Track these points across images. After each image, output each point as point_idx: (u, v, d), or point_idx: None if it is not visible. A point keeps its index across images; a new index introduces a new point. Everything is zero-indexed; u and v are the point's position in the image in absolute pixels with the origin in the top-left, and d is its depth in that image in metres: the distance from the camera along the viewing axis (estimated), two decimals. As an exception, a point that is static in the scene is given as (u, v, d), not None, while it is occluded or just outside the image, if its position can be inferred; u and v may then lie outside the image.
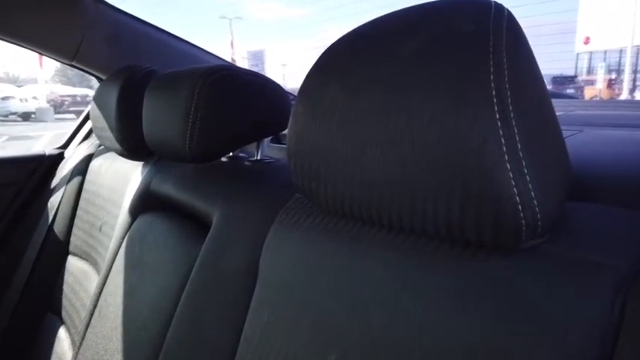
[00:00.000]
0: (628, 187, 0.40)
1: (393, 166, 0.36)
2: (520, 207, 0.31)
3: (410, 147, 0.34)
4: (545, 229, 0.32)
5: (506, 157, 0.31)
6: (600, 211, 0.37)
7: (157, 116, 0.71)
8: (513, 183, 0.31)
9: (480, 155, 0.31)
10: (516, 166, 0.31)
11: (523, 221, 0.31)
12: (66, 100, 13.18)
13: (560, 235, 0.34)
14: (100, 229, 0.96)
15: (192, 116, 0.63)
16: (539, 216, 0.32)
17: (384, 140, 0.35)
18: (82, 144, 1.26)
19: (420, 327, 0.36)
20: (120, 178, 0.94)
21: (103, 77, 1.10)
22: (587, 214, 0.37)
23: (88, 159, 1.14)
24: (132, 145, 0.89)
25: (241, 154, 0.76)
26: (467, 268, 0.36)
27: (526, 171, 0.31)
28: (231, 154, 0.74)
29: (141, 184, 0.84)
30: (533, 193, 0.31)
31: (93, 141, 1.21)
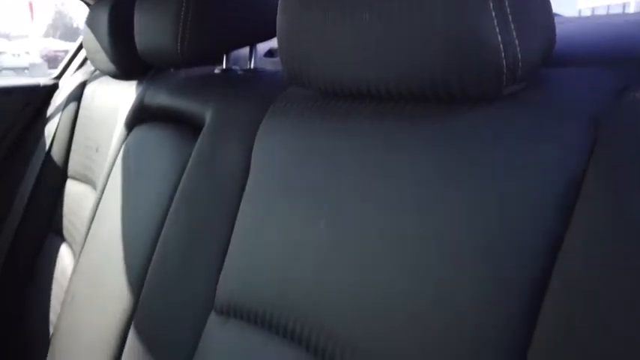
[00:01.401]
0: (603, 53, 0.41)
1: (381, 25, 0.37)
2: (502, 48, 0.33)
3: (398, 3, 0.36)
4: (524, 75, 0.34)
5: (491, 4, 0.33)
6: (578, 71, 0.38)
7: (149, 24, 0.71)
8: (497, 26, 0.33)
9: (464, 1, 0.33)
10: (500, 11, 0.33)
11: (504, 62, 0.33)
12: (59, 55, 12.94)
13: (539, 86, 0.36)
14: (97, 150, 0.97)
15: (182, 18, 0.64)
16: (520, 60, 0.33)
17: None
18: (76, 72, 1.26)
19: (410, 182, 0.38)
20: (114, 100, 0.95)
21: (92, 2, 1.09)
22: (566, 73, 0.38)
23: (83, 86, 1.14)
24: (125, 63, 0.89)
25: (234, 66, 0.77)
26: (452, 120, 0.38)
27: (510, 17, 0.33)
28: (224, 66, 0.75)
29: (135, 100, 0.85)
30: (515, 37, 0.33)
31: (87, 69, 1.21)
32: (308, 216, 0.44)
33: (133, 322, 0.59)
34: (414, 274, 0.36)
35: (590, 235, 0.29)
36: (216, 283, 0.53)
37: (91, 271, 0.76)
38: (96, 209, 0.82)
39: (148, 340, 0.57)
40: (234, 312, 0.50)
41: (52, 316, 0.88)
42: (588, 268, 0.28)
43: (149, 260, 0.61)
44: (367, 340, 0.37)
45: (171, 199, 0.64)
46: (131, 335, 0.58)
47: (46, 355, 0.81)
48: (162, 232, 0.63)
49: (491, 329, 0.32)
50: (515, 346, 0.31)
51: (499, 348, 0.31)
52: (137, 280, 0.62)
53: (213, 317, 0.53)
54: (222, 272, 0.53)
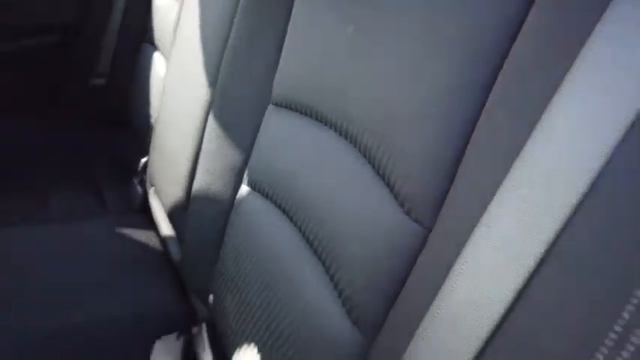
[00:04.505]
0: None
1: None
2: None
3: None
4: None
5: None
6: None
7: None
8: None
9: None
10: None
11: None
12: None
13: None
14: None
15: None
16: None
17: None
18: None
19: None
20: None
21: None
22: None
23: None
24: None
25: None
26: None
27: None
28: None
29: None
30: None
31: None
32: (341, 21, 0.53)
33: (211, 110, 0.75)
34: (414, 74, 0.45)
35: None
36: (273, 79, 0.65)
37: (178, 71, 0.92)
38: (178, 18, 0.94)
39: (222, 125, 0.73)
40: (285, 103, 0.63)
41: (152, 111, 1.07)
42: None
43: (221, 59, 0.74)
44: (376, 122, 0.49)
45: (236, 5, 0.74)
46: (210, 120, 0.75)
47: (148, 141, 1.03)
48: (231, 35, 0.74)
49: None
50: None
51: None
52: (213, 76, 0.76)
53: (270, 108, 0.66)
54: (278, 70, 0.64)
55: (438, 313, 0.38)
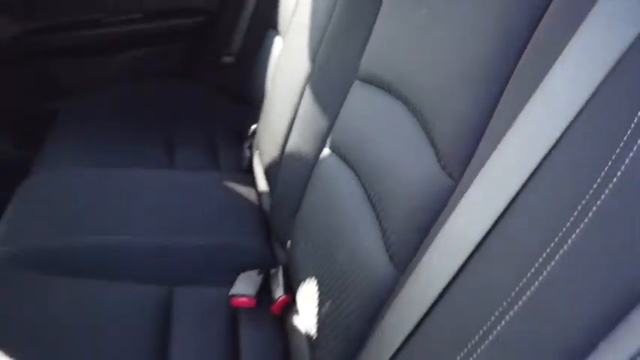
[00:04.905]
0: None
1: None
2: None
3: None
4: None
5: None
6: None
7: None
8: None
9: None
10: None
11: None
12: None
13: None
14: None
15: None
16: None
17: None
18: None
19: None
20: None
21: None
22: None
23: None
24: None
25: None
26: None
27: None
28: None
29: None
30: None
31: None
32: (418, 5, 0.62)
33: (309, 83, 0.88)
34: (459, 50, 0.53)
35: None
36: (361, 57, 0.76)
37: (289, 50, 1.06)
38: (296, 6, 1.08)
39: (316, 96, 0.85)
40: (368, 79, 0.73)
41: (267, 87, 1.23)
42: None
43: (322, 40, 0.86)
44: (430, 92, 0.57)
45: None
46: (307, 91, 0.88)
47: (260, 112, 1.19)
48: (331, 21, 0.86)
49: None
50: None
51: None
52: (314, 54, 0.88)
53: (356, 83, 0.77)
54: (366, 50, 0.75)
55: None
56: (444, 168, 0.52)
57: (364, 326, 0.57)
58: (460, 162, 0.50)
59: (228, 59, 1.51)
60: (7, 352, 0.70)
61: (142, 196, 1.05)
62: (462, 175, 0.49)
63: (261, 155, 1.11)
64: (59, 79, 1.49)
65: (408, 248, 0.54)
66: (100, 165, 1.14)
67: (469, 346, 0.40)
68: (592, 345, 0.31)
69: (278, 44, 1.27)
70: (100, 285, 0.85)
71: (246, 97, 1.41)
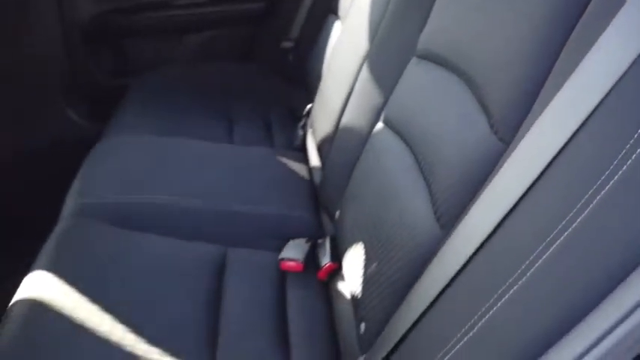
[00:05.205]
0: None
1: None
2: None
3: None
4: None
5: None
6: None
7: None
8: None
9: None
10: None
11: None
12: None
13: None
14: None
15: None
16: None
17: None
18: None
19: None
20: None
21: None
22: None
23: None
24: None
25: None
26: None
27: None
28: None
29: None
30: None
31: None
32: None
33: (367, 60, 0.91)
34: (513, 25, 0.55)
35: None
36: (419, 37, 0.79)
37: (348, 31, 1.10)
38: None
39: (373, 72, 0.89)
40: (426, 55, 0.76)
41: (324, 69, 1.28)
42: None
43: (382, 20, 0.90)
44: (486, 64, 0.59)
45: None
46: (364, 67, 0.92)
47: (315, 93, 1.24)
48: (390, 2, 0.89)
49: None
50: None
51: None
52: (373, 33, 0.92)
53: (413, 60, 0.80)
54: (425, 29, 0.78)
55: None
56: (495, 133, 0.55)
57: (408, 282, 0.61)
58: (511, 127, 0.52)
59: (287, 44, 1.56)
60: (76, 290, 0.78)
61: (202, 165, 1.12)
62: (512, 138, 0.52)
63: (314, 132, 1.16)
64: (131, 57, 1.60)
65: (455, 209, 0.57)
66: (164, 135, 1.22)
67: (495, 296, 0.44)
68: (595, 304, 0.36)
69: (337, 28, 1.31)
70: (161, 240, 0.92)
71: (301, 80, 1.46)
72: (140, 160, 1.10)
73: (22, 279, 0.80)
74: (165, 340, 0.73)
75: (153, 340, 0.72)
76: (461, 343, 0.47)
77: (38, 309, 0.74)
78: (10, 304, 0.76)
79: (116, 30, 1.57)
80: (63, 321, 0.73)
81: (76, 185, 1.01)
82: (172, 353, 0.71)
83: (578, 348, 0.36)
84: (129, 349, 0.71)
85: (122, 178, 1.03)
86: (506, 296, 0.43)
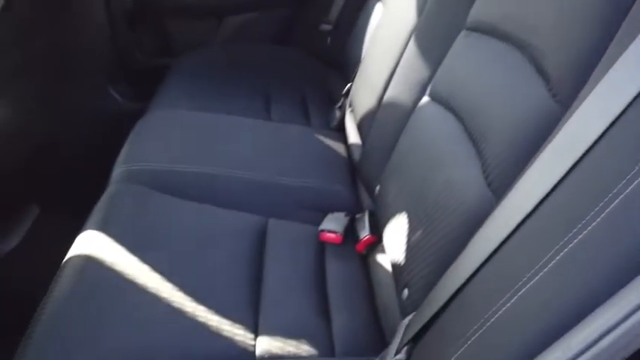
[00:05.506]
0: None
1: None
2: None
3: None
4: None
5: None
6: None
7: None
8: None
9: None
10: None
11: None
12: None
13: None
14: None
15: None
16: None
17: None
18: None
19: None
20: None
21: None
22: None
23: None
24: None
25: None
26: None
27: None
28: None
29: None
30: None
31: None
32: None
33: (414, 34, 0.92)
34: None
35: None
36: (469, 10, 0.79)
37: (391, 9, 1.11)
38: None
39: (421, 45, 0.90)
40: (477, 27, 0.76)
41: (363, 51, 1.29)
42: None
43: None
44: (546, 29, 0.59)
45: None
46: (412, 41, 0.93)
47: (354, 75, 1.24)
48: None
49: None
50: None
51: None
52: (421, 8, 0.92)
53: (463, 33, 0.80)
54: (476, 2, 0.78)
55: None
56: (554, 96, 0.54)
57: (454, 247, 0.61)
58: (572, 89, 0.52)
59: (326, 27, 1.57)
60: (124, 248, 0.80)
61: (243, 139, 1.14)
62: (571, 102, 0.52)
63: (355, 109, 1.17)
64: (172, 39, 1.64)
65: (508, 172, 0.57)
66: (205, 111, 1.24)
67: (540, 263, 0.43)
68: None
69: (378, 11, 1.31)
70: (204, 208, 0.94)
71: (339, 63, 1.47)
72: (183, 133, 1.13)
73: (75, 238, 0.83)
74: (209, 298, 0.75)
75: (198, 298, 0.74)
76: (509, 303, 0.47)
77: (90, 265, 0.77)
78: (65, 259, 0.79)
79: (158, 12, 1.60)
80: (113, 276, 0.75)
81: (123, 154, 1.04)
82: (217, 311, 0.73)
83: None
84: (176, 305, 0.73)
85: (167, 149, 1.06)
86: (549, 266, 0.42)
